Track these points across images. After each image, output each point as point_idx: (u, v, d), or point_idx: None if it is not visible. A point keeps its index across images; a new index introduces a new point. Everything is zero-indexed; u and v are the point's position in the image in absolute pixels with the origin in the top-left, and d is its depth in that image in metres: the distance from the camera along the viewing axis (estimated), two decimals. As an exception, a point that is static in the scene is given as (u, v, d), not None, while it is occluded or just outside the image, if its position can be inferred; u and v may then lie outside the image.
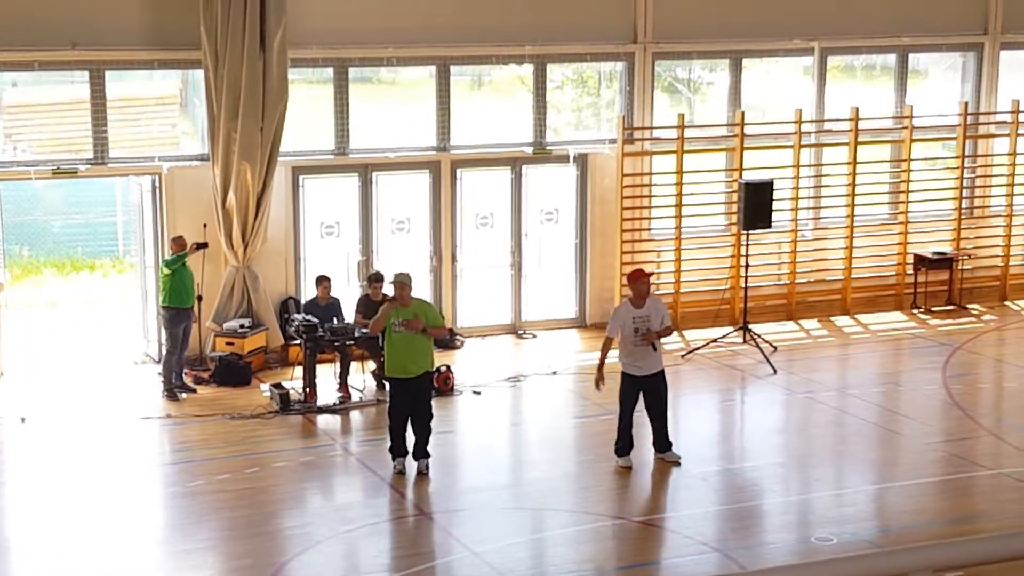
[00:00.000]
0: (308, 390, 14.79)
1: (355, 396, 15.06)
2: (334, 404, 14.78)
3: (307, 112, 17.13)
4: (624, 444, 12.80)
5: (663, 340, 12.85)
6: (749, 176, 17.79)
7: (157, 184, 16.26)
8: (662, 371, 12.74)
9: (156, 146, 16.75)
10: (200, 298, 15.65)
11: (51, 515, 11.78)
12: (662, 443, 12.88)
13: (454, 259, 17.47)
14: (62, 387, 15.53)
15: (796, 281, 18.82)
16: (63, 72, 16.37)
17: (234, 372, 15.63)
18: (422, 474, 12.57)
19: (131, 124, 16.83)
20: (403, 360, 12.45)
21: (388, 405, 12.91)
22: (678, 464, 12.76)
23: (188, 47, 15.79)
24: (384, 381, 15.16)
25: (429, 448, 12.69)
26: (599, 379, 12.62)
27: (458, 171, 17.44)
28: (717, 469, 12.78)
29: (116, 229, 22.05)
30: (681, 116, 18.02)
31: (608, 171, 17.91)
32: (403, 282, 12.49)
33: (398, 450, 12.69)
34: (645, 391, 12.69)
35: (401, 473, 12.55)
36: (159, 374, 15.47)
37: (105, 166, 16.17)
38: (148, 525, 11.74)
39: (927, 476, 12.66)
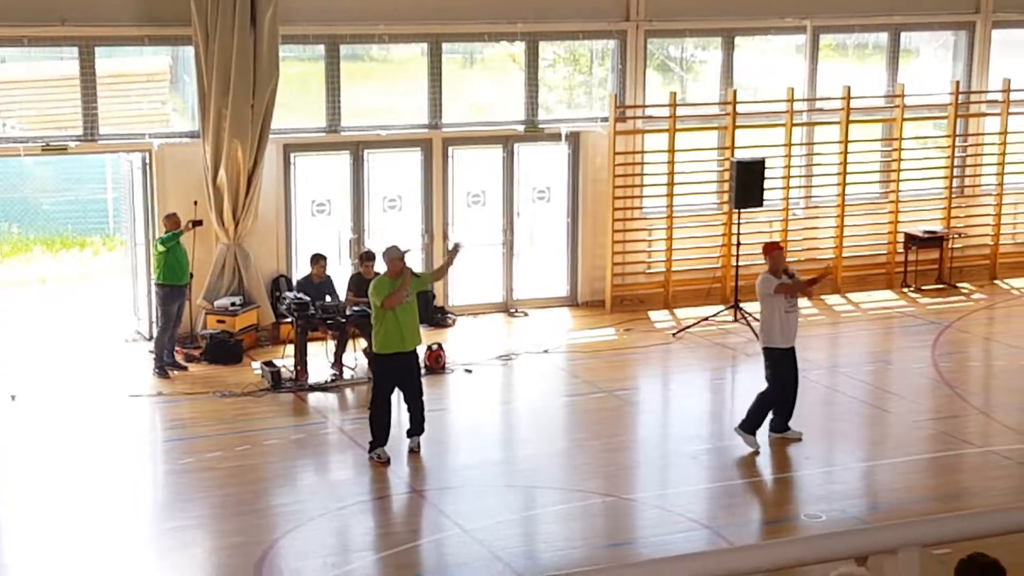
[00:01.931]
0: (299, 368, 14.79)
1: (347, 374, 15.05)
2: (325, 382, 14.78)
3: (298, 89, 17.08)
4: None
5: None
6: (741, 154, 17.79)
7: (147, 161, 16.20)
8: None
9: (146, 123, 16.71)
10: (191, 276, 15.63)
11: (41, 493, 11.78)
12: (786, 421, 12.84)
13: (446, 237, 17.44)
14: (52, 365, 15.50)
15: (787, 260, 18.78)
16: (52, 48, 16.29)
17: (225, 350, 15.61)
18: (414, 452, 12.57)
19: (121, 101, 16.78)
20: (406, 332, 12.33)
21: (375, 388, 12.55)
22: (800, 440, 12.80)
23: (178, 23, 15.71)
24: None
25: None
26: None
27: (450, 149, 17.40)
28: (707, 447, 12.80)
29: (106, 206, 21.99)
30: (673, 94, 17.98)
31: (600, 149, 17.88)
32: (403, 255, 12.40)
33: (383, 439, 12.40)
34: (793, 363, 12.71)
35: (387, 462, 12.36)
36: (150, 351, 15.47)
37: (95, 143, 16.11)
38: (139, 503, 11.76)
39: (916, 454, 12.69)
